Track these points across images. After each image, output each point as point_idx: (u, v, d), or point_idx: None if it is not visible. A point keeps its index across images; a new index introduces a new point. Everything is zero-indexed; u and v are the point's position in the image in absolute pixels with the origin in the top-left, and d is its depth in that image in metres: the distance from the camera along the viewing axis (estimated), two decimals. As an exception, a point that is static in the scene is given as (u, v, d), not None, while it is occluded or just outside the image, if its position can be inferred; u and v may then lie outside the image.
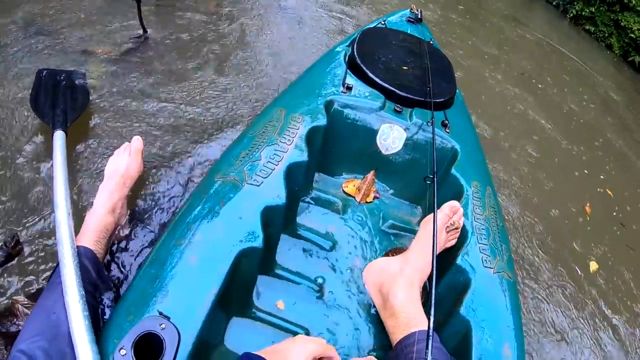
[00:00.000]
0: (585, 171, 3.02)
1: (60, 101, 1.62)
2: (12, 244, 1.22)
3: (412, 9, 2.30)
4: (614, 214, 2.73)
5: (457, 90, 1.74)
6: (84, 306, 0.82)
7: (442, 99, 1.53)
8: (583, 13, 11.10)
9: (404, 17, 2.23)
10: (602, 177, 3.03)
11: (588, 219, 2.53)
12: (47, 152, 1.57)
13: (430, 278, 1.16)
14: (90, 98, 1.84)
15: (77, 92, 1.74)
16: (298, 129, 1.23)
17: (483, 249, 1.17)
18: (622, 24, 10.37)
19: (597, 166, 3.14)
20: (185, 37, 2.64)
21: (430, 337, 0.76)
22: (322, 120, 1.30)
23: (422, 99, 1.46)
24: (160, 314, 0.76)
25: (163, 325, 0.74)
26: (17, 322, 1.07)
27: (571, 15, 11.44)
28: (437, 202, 1.22)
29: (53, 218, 1.33)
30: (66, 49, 2.25)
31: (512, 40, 5.54)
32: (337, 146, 1.42)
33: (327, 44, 3.06)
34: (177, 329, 0.74)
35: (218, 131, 1.97)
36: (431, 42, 2.01)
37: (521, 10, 9.99)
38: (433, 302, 0.85)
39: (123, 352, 0.71)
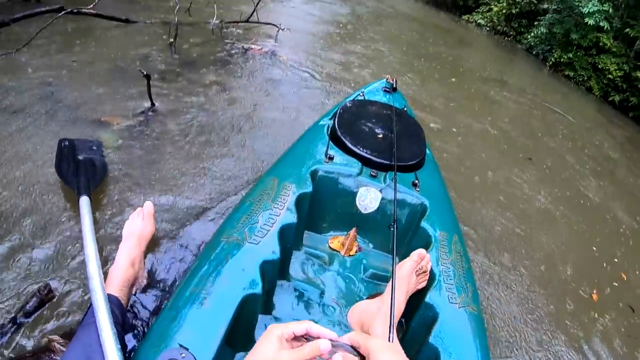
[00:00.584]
0: (594, 248, 3.02)
1: (82, 169, 1.93)
2: (45, 291, 1.47)
3: (387, 79, 2.61)
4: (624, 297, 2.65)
5: (428, 152, 2.02)
6: (116, 342, 1.05)
7: (412, 162, 1.81)
8: (561, 60, 11.83)
9: (381, 87, 2.54)
10: (616, 260, 2.98)
11: (596, 315, 2.42)
12: (73, 214, 1.86)
13: (404, 315, 1.39)
14: (106, 163, 2.16)
15: (96, 163, 2.05)
16: (288, 196, 1.50)
17: (449, 288, 1.40)
18: (599, 66, 11.04)
19: (607, 244, 3.11)
20: (189, 110, 3.00)
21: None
22: (308, 187, 1.57)
23: (393, 164, 1.74)
24: (181, 345, 0.99)
25: (183, 355, 0.96)
26: (54, 358, 1.28)
27: (550, 62, 12.15)
28: (409, 250, 1.47)
29: (83, 269, 1.59)
30: (81, 118, 2.60)
31: (500, 103, 5.71)
32: (322, 208, 1.69)
33: (314, 114, 3.39)
34: (194, 357, 0.96)
35: (221, 194, 2.26)
36: (405, 109, 2.31)
37: (504, 63, 10.57)
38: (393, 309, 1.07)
39: (150, 377, 0.93)
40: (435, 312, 1.32)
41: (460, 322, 1.31)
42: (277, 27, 5.19)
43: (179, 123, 2.80)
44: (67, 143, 2.07)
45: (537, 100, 6.64)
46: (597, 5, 10.87)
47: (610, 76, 10.92)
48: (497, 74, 7.77)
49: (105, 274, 1.38)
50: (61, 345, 1.31)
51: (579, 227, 3.22)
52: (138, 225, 1.62)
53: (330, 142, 1.83)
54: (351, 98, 2.33)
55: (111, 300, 1.23)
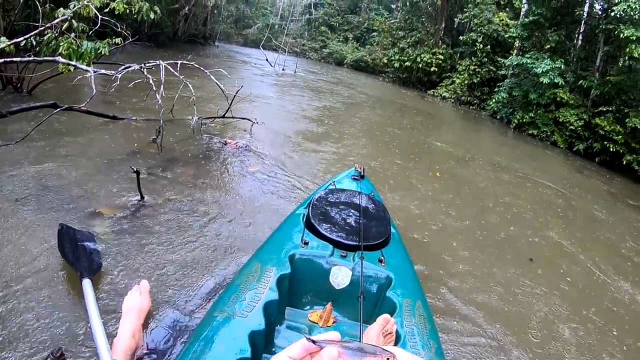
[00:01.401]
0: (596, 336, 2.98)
1: (82, 255, 2.26)
2: (58, 354, 1.68)
3: (356, 167, 3.00)
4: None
5: (394, 230, 2.37)
6: None
7: (378, 241, 2.16)
8: (524, 120, 12.79)
9: (350, 175, 2.92)
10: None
11: None
12: (78, 292, 2.14)
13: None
14: (103, 249, 2.51)
15: (92, 253, 2.37)
16: (270, 277, 1.82)
17: (413, 345, 1.68)
18: (560, 120, 12.00)
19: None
20: (175, 203, 3.37)
21: None
22: (287, 269, 1.89)
23: (360, 244, 2.08)
24: None
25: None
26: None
27: (514, 124, 13.06)
28: (376, 317, 1.76)
29: (90, 338, 1.85)
30: (76, 208, 2.97)
31: (478, 186, 5.81)
32: (301, 286, 2.00)
33: (288, 204, 3.75)
34: None
35: (209, 276, 2.58)
36: (372, 194, 2.68)
37: (472, 135, 11.26)
38: None
39: None
40: (401, 368, 1.59)
41: (425, 373, 1.58)
42: (252, 121, 5.70)
43: (166, 215, 3.15)
44: (65, 228, 2.43)
45: (513, 171, 6.99)
46: (549, 64, 11.95)
47: (571, 127, 11.83)
48: (468, 151, 8.18)
49: (110, 345, 1.65)
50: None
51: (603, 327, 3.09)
52: (136, 300, 1.93)
53: (306, 229, 2.18)
54: (323, 188, 2.71)
55: None
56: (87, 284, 1.99)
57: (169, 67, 4.56)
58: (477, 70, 16.98)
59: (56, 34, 4.45)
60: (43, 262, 2.34)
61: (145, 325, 1.98)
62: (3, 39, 4.08)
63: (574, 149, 11.63)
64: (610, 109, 11.24)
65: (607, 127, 10.91)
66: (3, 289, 2.10)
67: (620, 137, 10.64)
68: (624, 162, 10.38)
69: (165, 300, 2.28)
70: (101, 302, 2.12)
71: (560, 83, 11.95)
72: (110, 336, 1.82)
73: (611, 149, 10.68)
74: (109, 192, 3.27)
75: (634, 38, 9.83)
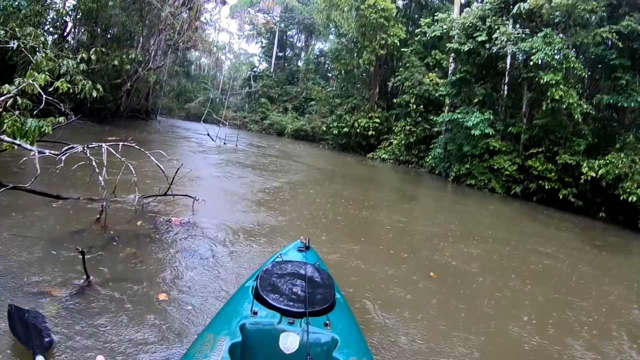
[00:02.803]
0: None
1: (33, 333, 2.33)
2: None
3: (301, 239, 3.17)
4: None
5: (339, 295, 2.55)
6: None
7: (323, 307, 2.32)
8: (461, 172, 13.59)
9: (296, 247, 3.09)
10: None
11: None
12: None
13: None
14: (53, 328, 2.53)
15: (43, 331, 2.41)
16: (223, 346, 1.95)
17: None
18: (495, 167, 12.89)
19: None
20: (120, 282, 3.37)
21: None
22: (238, 338, 2.04)
23: (306, 311, 2.23)
24: None
25: None
26: None
27: (452, 177, 13.84)
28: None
29: None
30: (23, 288, 3.00)
31: (432, 261, 5.52)
32: (252, 353, 2.13)
33: (239, 277, 3.79)
34: None
35: (160, 348, 2.64)
36: (317, 263, 2.86)
37: (414, 195, 11.64)
38: None
39: None
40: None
41: None
42: (192, 198, 5.82)
43: (113, 293, 3.17)
44: (14, 309, 2.47)
45: (465, 235, 7.02)
46: (479, 117, 12.97)
47: (507, 172, 12.72)
48: (412, 216, 8.40)
49: None
50: None
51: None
52: None
53: (255, 300, 2.33)
54: (271, 260, 2.87)
55: None
56: None
57: (110, 149, 4.67)
58: (412, 129, 18.01)
59: (0, 110, 4.48)
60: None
61: None
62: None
63: (512, 193, 12.47)
64: (541, 149, 12.32)
65: (540, 167, 11.94)
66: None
67: (553, 174, 11.69)
68: (561, 197, 11.38)
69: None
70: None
71: (490, 133, 12.95)
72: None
73: (546, 187, 11.68)
74: (55, 271, 3.28)
75: (553, 82, 11.06)
